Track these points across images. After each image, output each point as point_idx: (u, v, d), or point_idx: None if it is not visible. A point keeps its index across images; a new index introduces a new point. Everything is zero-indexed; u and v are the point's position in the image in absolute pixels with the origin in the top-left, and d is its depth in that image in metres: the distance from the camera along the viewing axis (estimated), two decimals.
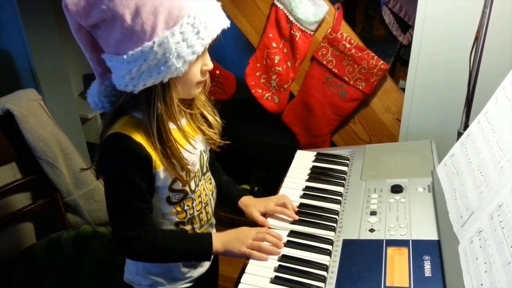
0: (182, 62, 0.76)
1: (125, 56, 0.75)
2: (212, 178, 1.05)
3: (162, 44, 0.74)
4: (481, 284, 0.70)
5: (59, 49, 2.05)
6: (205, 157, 0.99)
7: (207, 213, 1.02)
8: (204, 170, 0.99)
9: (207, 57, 0.85)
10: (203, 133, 0.97)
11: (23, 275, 1.32)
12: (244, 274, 0.90)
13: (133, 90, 0.78)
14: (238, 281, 0.89)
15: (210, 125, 0.99)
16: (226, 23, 0.82)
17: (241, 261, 0.96)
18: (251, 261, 0.93)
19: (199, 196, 0.97)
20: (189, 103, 0.94)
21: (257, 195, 1.12)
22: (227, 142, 1.02)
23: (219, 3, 0.83)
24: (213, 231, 1.10)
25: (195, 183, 0.95)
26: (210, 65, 0.86)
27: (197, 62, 0.82)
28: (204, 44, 0.77)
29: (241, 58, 2.25)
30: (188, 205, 0.95)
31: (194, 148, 0.92)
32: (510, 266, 0.66)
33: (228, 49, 2.35)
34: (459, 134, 1.21)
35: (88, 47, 0.82)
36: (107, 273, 1.33)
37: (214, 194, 1.06)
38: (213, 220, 1.08)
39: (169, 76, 0.77)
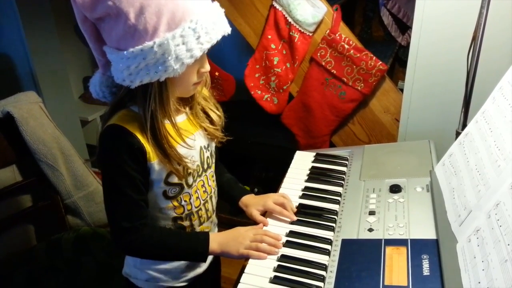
0: (180, 64, 0.77)
1: (125, 52, 0.77)
2: (215, 175, 1.05)
3: (162, 45, 0.75)
4: (479, 282, 0.70)
5: (59, 52, 2.06)
6: (206, 153, 1.00)
7: (207, 210, 1.02)
8: (205, 166, 1.00)
9: (205, 60, 0.87)
10: (205, 129, 0.98)
11: (23, 277, 1.33)
12: (244, 274, 0.90)
13: (130, 85, 0.80)
14: (237, 281, 0.89)
15: (211, 121, 1.00)
16: (227, 30, 0.83)
17: (240, 262, 0.96)
18: (250, 261, 0.94)
19: (196, 191, 0.98)
20: (189, 100, 0.95)
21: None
22: (229, 137, 1.03)
23: (223, 10, 0.84)
24: (215, 230, 1.10)
25: (193, 178, 0.96)
26: (207, 67, 0.88)
27: (195, 64, 0.83)
28: (203, 49, 0.79)
29: (240, 60, 2.26)
30: (185, 201, 0.96)
31: (191, 144, 0.93)
32: (507, 264, 0.66)
33: (228, 51, 2.35)
34: (457, 134, 1.21)
35: (92, 37, 0.84)
36: (107, 275, 1.33)
37: (216, 192, 1.07)
38: (215, 219, 1.09)
39: (166, 76, 0.79)
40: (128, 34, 0.77)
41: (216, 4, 0.83)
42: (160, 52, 0.76)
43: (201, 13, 0.78)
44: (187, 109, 0.96)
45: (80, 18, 0.81)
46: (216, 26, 0.80)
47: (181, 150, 0.90)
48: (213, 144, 1.02)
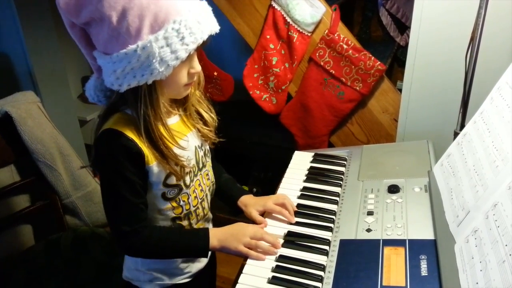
0: (165, 66, 0.77)
1: (111, 57, 0.77)
2: (209, 174, 1.05)
3: (145, 47, 0.75)
4: (477, 283, 0.70)
5: (58, 51, 2.06)
6: (201, 153, 1.00)
7: (203, 208, 1.03)
8: (201, 165, 1.00)
9: (195, 60, 0.86)
10: (198, 130, 0.98)
11: (22, 277, 1.32)
12: (242, 275, 0.90)
13: (119, 89, 0.80)
14: (235, 281, 0.89)
15: (205, 123, 0.99)
16: (214, 29, 0.82)
17: (239, 261, 0.96)
18: (248, 261, 0.94)
19: (194, 191, 0.98)
20: (183, 101, 0.95)
21: (256, 196, 1.13)
22: (222, 139, 1.03)
23: (210, 8, 0.83)
24: (210, 226, 1.10)
25: (190, 178, 0.96)
26: (197, 68, 0.86)
27: (184, 65, 0.82)
28: (188, 50, 0.78)
29: (239, 60, 2.26)
30: (184, 201, 0.96)
31: (185, 146, 0.92)
32: (505, 264, 0.66)
33: (226, 51, 2.35)
34: (456, 134, 1.21)
35: (82, 43, 0.83)
36: (106, 275, 1.33)
37: (211, 190, 1.07)
38: (210, 215, 1.09)
39: (153, 79, 0.78)
40: (112, 38, 0.76)
41: (203, 2, 0.82)
42: (144, 55, 0.75)
43: (185, 14, 0.76)
44: (180, 110, 0.95)
45: (68, 24, 0.81)
46: (201, 26, 0.78)
47: (175, 151, 0.89)
48: (206, 144, 1.02)
